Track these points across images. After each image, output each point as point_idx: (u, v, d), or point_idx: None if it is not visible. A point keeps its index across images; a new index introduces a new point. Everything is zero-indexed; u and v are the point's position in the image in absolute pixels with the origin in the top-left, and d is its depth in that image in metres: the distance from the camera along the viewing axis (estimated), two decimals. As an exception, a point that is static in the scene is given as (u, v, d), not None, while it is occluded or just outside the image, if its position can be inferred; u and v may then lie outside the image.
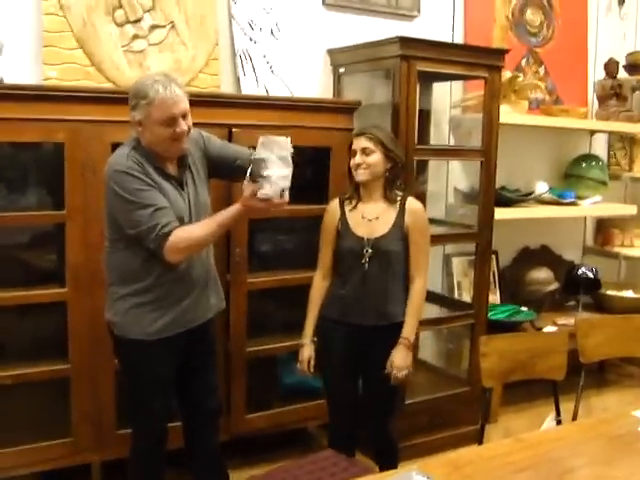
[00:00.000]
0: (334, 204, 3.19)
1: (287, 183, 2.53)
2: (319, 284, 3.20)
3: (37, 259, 3.40)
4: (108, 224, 2.71)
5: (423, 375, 4.29)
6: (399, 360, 3.02)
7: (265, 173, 2.48)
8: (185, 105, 2.61)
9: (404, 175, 3.22)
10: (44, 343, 3.36)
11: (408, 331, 3.05)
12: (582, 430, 2.41)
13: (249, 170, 2.52)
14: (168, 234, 2.53)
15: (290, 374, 3.97)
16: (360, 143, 3.05)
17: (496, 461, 2.07)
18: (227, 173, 2.93)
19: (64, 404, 3.28)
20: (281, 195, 2.52)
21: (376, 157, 3.03)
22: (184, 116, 2.61)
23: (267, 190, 2.49)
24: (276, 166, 2.49)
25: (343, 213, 3.13)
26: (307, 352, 3.17)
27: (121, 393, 3.23)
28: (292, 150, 2.55)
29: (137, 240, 2.61)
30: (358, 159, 3.04)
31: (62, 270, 3.20)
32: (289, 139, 2.55)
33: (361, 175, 3.05)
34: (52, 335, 3.35)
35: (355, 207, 3.12)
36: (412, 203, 3.11)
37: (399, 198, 3.09)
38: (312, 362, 3.16)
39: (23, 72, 3.34)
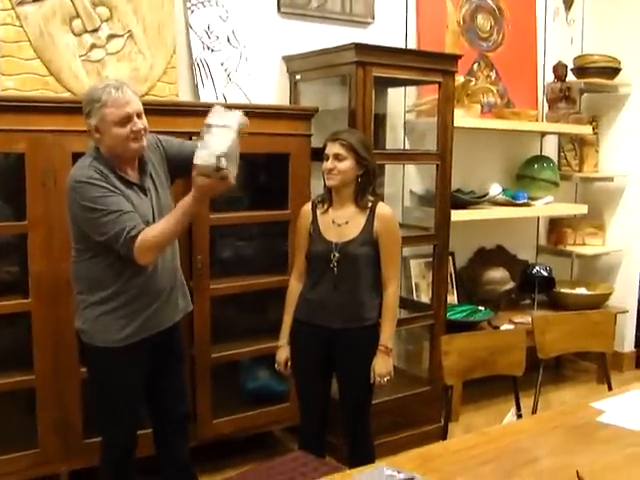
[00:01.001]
0: (307, 207, 3.23)
1: (223, 148, 2.46)
2: (294, 286, 3.24)
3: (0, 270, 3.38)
4: (73, 234, 2.73)
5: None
6: (380, 367, 3.08)
7: (205, 139, 2.46)
8: (138, 105, 2.65)
9: (375, 181, 3.25)
10: (8, 354, 3.34)
11: (386, 338, 3.11)
12: (542, 422, 2.49)
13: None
14: (136, 236, 2.55)
15: (253, 379, 4.01)
16: (333, 149, 3.07)
17: (462, 454, 2.14)
18: (190, 171, 2.95)
19: (30, 415, 3.27)
20: (217, 161, 2.44)
21: (348, 163, 3.05)
22: (138, 115, 2.64)
23: (202, 155, 2.45)
24: (217, 134, 2.46)
25: (315, 217, 3.17)
26: (284, 354, 3.21)
27: (87, 402, 3.23)
28: (237, 124, 2.52)
29: (104, 248, 2.63)
30: (330, 164, 3.07)
31: (25, 280, 3.19)
32: (240, 112, 2.55)
33: (332, 180, 3.08)
34: (16, 346, 3.34)
35: (326, 211, 3.16)
36: (382, 208, 3.15)
37: (370, 204, 3.13)
38: (289, 363, 3.21)
39: (-19, 83, 3.34)
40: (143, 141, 2.68)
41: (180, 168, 2.89)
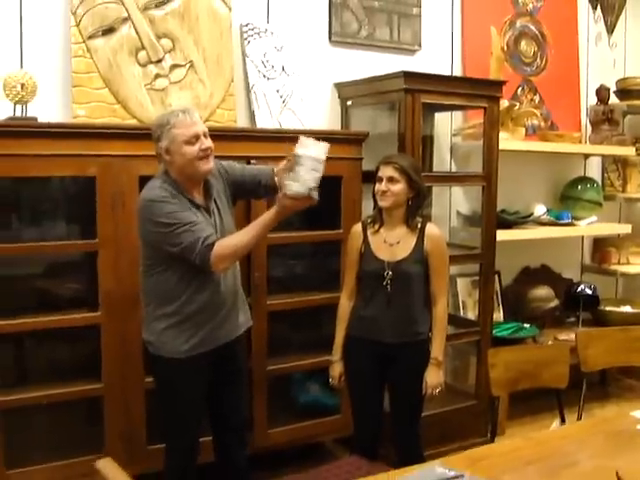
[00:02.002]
0: (357, 228, 3.37)
1: (314, 182, 2.69)
2: (345, 304, 3.38)
3: (72, 286, 3.60)
4: (143, 251, 2.93)
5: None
6: (432, 379, 3.24)
7: (296, 170, 2.66)
8: (204, 126, 2.87)
9: (424, 203, 3.40)
10: (78, 364, 3.56)
11: (437, 351, 3.26)
12: (585, 428, 2.64)
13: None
14: (212, 244, 2.73)
15: (305, 393, 4.17)
16: (387, 172, 3.22)
17: (508, 456, 2.29)
18: (251, 193, 3.18)
19: (97, 422, 3.45)
20: (309, 193, 2.68)
21: (400, 186, 3.20)
22: (205, 135, 2.85)
23: (296, 188, 2.67)
24: (307, 165, 2.67)
25: (366, 237, 3.31)
26: (338, 369, 3.37)
27: (151, 411, 3.41)
28: (325, 155, 2.72)
29: (172, 263, 2.82)
30: (384, 186, 3.21)
31: (95, 295, 3.39)
32: (326, 144, 2.75)
33: (385, 202, 3.23)
34: (86, 357, 3.53)
35: (377, 231, 3.30)
36: (431, 228, 3.30)
37: (419, 224, 3.28)
38: (342, 377, 3.36)
39: (54, 111, 3.57)
40: (210, 162, 2.88)
41: (242, 191, 3.13)
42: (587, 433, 2.54)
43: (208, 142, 2.86)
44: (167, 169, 2.88)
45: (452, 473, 2.09)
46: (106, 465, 1.72)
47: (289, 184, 2.67)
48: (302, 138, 2.75)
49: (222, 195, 3.04)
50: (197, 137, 2.82)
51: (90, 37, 3.58)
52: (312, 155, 2.69)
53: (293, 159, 2.70)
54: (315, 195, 2.71)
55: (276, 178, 2.95)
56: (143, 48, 3.72)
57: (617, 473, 2.05)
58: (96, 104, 3.60)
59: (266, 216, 2.80)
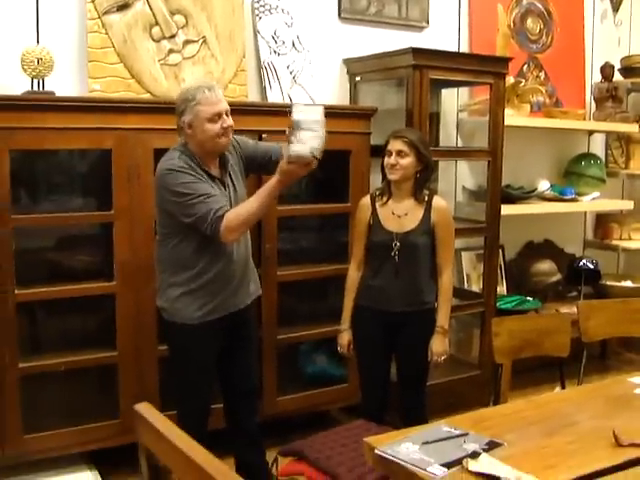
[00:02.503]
0: (366, 200, 3.46)
1: (317, 143, 2.73)
2: (353, 274, 3.47)
3: (88, 256, 3.70)
4: (160, 220, 3.03)
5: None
6: (437, 346, 3.34)
7: (297, 133, 2.71)
8: (226, 105, 2.96)
9: (432, 176, 3.49)
10: (94, 333, 3.66)
11: (442, 320, 3.36)
12: (585, 392, 2.75)
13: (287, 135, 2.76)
14: (222, 216, 2.81)
15: (312, 364, 4.28)
16: (396, 145, 3.30)
17: (511, 417, 2.39)
18: (262, 167, 3.25)
19: (112, 388, 3.55)
20: (312, 154, 2.73)
21: (409, 159, 3.28)
22: (227, 113, 2.94)
23: (298, 148, 2.71)
24: (307, 127, 2.72)
25: (374, 209, 3.40)
26: (346, 337, 3.47)
27: (164, 379, 3.52)
28: (322, 117, 2.76)
29: (188, 232, 2.91)
30: (393, 160, 3.29)
31: (110, 265, 3.49)
32: (321, 106, 2.83)
33: (394, 175, 3.30)
34: (101, 325, 3.64)
35: (386, 203, 3.38)
36: (438, 201, 3.39)
37: (426, 197, 3.36)
38: (351, 346, 3.47)
39: (71, 85, 3.66)
40: (230, 137, 2.97)
41: (253, 165, 3.22)
42: (586, 397, 2.64)
43: (229, 121, 2.95)
44: (186, 142, 2.97)
45: (457, 431, 2.20)
46: (145, 409, 1.82)
47: (291, 147, 2.72)
48: (296, 104, 2.84)
49: (236, 168, 3.13)
50: (220, 115, 2.91)
51: (105, 13, 3.65)
52: (310, 118, 2.74)
53: (292, 125, 2.74)
54: (318, 155, 2.74)
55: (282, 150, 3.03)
56: (157, 24, 3.79)
57: (614, 431, 2.16)
58: (111, 79, 3.68)
59: (269, 184, 2.87)
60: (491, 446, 2.11)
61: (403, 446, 2.09)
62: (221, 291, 3.03)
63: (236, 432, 3.32)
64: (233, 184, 3.08)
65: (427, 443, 2.11)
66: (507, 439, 2.16)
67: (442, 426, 2.25)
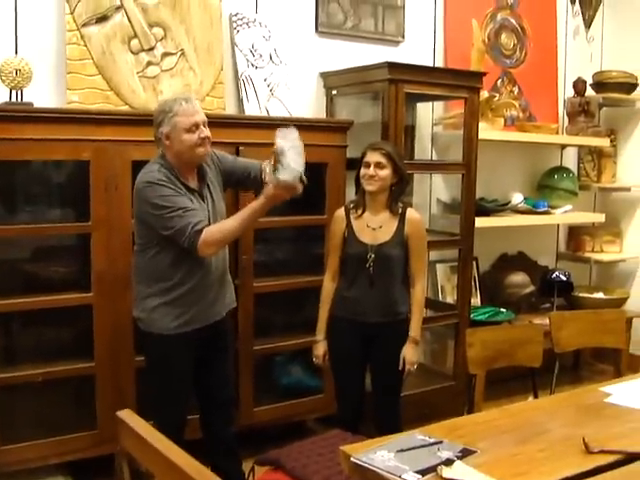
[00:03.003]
0: (340, 213, 3.50)
1: (302, 168, 2.84)
2: (328, 286, 3.52)
3: (65, 267, 3.69)
4: (138, 231, 3.05)
5: (411, 371, 4.64)
6: (410, 355, 3.41)
7: (282, 160, 2.79)
8: (204, 116, 3.00)
9: (407, 189, 3.55)
10: (71, 344, 3.65)
11: (415, 329, 3.42)
12: (557, 401, 2.80)
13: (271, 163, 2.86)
14: (200, 230, 2.85)
15: (287, 375, 4.30)
16: (374, 157, 3.35)
17: (484, 425, 2.43)
18: (240, 183, 3.30)
19: (90, 399, 3.55)
20: (299, 179, 2.84)
21: (387, 172, 3.34)
22: (204, 124, 2.98)
23: (286, 176, 2.79)
24: (291, 153, 2.80)
25: (349, 221, 3.45)
26: (322, 348, 3.51)
27: (141, 389, 3.52)
28: (299, 138, 2.86)
29: (166, 244, 2.94)
30: (372, 171, 3.34)
31: (87, 276, 3.49)
32: (294, 129, 2.88)
33: (371, 185, 3.36)
34: (78, 336, 3.63)
35: (360, 216, 3.43)
36: (411, 213, 3.45)
37: (400, 209, 3.42)
38: (327, 357, 3.50)
39: (49, 97, 3.66)
40: (207, 147, 3.01)
41: (231, 181, 3.27)
42: (558, 406, 2.68)
43: (207, 131, 2.99)
44: (165, 153, 3.00)
45: (432, 439, 2.24)
46: (127, 415, 1.85)
47: (279, 175, 2.80)
48: (279, 130, 2.88)
49: (215, 182, 3.16)
50: (197, 126, 2.95)
51: (84, 25, 3.67)
52: (292, 143, 2.82)
53: (277, 153, 2.82)
54: (304, 180, 2.87)
55: (263, 171, 3.06)
56: (135, 36, 3.82)
57: (584, 439, 2.20)
58: (89, 90, 3.70)
59: (254, 205, 2.92)
60: (465, 454, 2.14)
61: (379, 454, 2.12)
62: (198, 302, 3.06)
63: (213, 442, 3.33)
64: (212, 197, 3.11)
65: (402, 451, 2.14)
66: (480, 447, 2.20)
67: (417, 434, 2.28)
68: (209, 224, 2.98)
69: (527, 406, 2.81)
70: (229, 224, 2.95)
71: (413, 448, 2.17)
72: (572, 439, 2.26)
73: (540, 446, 2.24)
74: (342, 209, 3.52)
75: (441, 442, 2.22)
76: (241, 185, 3.33)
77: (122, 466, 1.84)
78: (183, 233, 2.85)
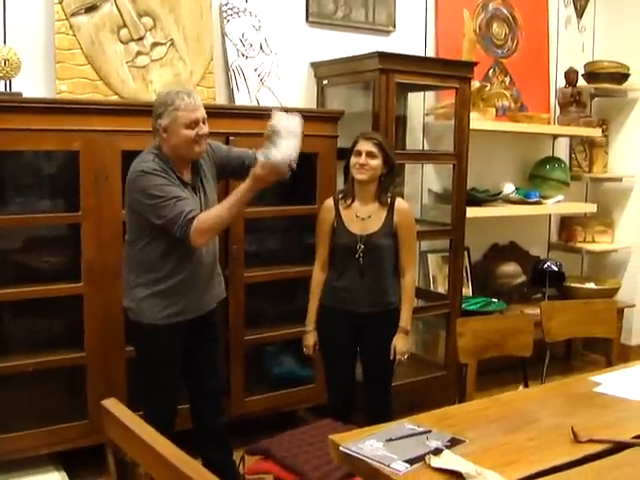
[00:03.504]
0: (329, 203, 3.49)
1: (295, 153, 2.82)
2: (318, 276, 3.51)
3: (55, 257, 3.68)
4: (129, 221, 3.04)
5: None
6: (401, 345, 3.40)
7: (276, 140, 2.77)
8: (204, 113, 2.99)
9: (396, 180, 3.54)
10: (62, 334, 3.65)
11: (405, 319, 3.42)
12: (546, 390, 2.80)
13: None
14: (192, 219, 2.83)
15: (279, 365, 4.30)
16: (366, 146, 3.35)
17: (474, 414, 2.43)
18: (235, 173, 3.28)
19: (80, 389, 3.55)
20: (288, 162, 2.80)
21: (378, 161, 3.34)
22: (204, 121, 2.97)
23: (276, 156, 2.77)
24: (286, 136, 2.79)
25: (338, 211, 3.44)
26: (312, 338, 3.51)
27: (132, 379, 3.52)
28: (301, 128, 2.86)
29: (158, 235, 2.93)
30: (363, 160, 3.33)
31: (77, 266, 3.48)
32: (300, 118, 2.88)
33: (363, 175, 3.35)
34: (69, 326, 3.64)
35: (349, 206, 3.43)
36: (401, 203, 3.45)
37: (389, 200, 3.41)
38: (317, 346, 3.50)
39: (38, 87, 3.65)
40: (203, 146, 3.01)
41: (226, 171, 3.26)
42: (548, 395, 2.69)
43: (205, 129, 2.98)
44: (160, 145, 2.98)
45: (421, 429, 2.24)
46: (112, 404, 1.85)
47: (268, 153, 2.77)
48: (277, 112, 2.86)
49: (208, 174, 3.15)
50: (197, 122, 2.94)
51: (73, 14, 3.66)
52: (290, 127, 2.81)
53: (271, 131, 2.80)
54: (294, 165, 2.83)
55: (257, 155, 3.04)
56: (125, 26, 3.80)
57: (572, 428, 2.21)
58: (79, 80, 3.68)
59: (240, 189, 2.90)
60: (453, 443, 2.14)
61: (367, 443, 2.12)
62: (188, 294, 3.05)
63: (203, 433, 3.33)
64: (204, 190, 3.10)
65: (391, 440, 2.14)
66: (469, 436, 2.20)
67: (406, 424, 2.29)
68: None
69: (517, 395, 2.81)
70: (218, 210, 2.93)
71: (402, 437, 2.17)
72: (561, 428, 2.26)
73: (529, 435, 2.24)
74: (330, 199, 3.52)
75: (430, 431, 2.22)
76: (235, 175, 3.31)
77: (107, 456, 1.82)
78: (176, 222, 2.84)
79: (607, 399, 2.61)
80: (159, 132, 2.96)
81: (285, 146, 2.78)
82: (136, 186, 2.92)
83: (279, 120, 2.81)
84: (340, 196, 3.49)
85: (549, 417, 2.41)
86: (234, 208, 2.92)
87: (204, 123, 2.98)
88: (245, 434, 3.71)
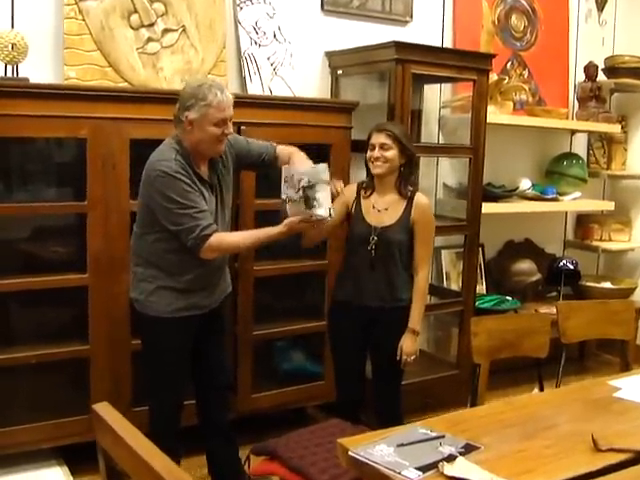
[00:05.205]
0: (353, 186, 3.44)
1: (329, 201, 2.91)
2: None
3: (61, 247, 3.61)
4: (142, 215, 2.96)
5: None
6: (408, 347, 3.30)
7: (317, 196, 2.82)
8: (232, 111, 2.91)
9: (416, 170, 3.45)
10: (66, 325, 3.59)
11: (414, 320, 3.32)
12: (564, 394, 2.72)
13: (300, 195, 2.85)
14: (209, 235, 2.79)
15: (289, 361, 4.22)
16: (379, 139, 3.27)
17: (488, 419, 2.35)
18: (253, 166, 3.27)
19: (84, 383, 3.48)
20: (330, 214, 2.90)
21: (393, 152, 3.25)
22: (230, 119, 2.91)
23: (320, 212, 2.85)
24: (322, 189, 2.85)
25: (359, 197, 3.38)
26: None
27: (137, 373, 3.45)
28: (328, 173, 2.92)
29: (170, 234, 2.86)
30: (377, 153, 3.26)
31: (83, 257, 3.41)
32: (326, 165, 2.93)
33: (378, 168, 3.28)
34: (74, 318, 3.57)
35: (369, 197, 3.36)
36: (420, 198, 3.35)
37: (409, 193, 3.33)
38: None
39: (45, 72, 3.57)
40: (224, 145, 2.96)
41: (244, 164, 3.23)
42: (565, 399, 2.60)
43: (230, 128, 2.92)
44: (182, 137, 2.90)
45: (433, 434, 2.15)
46: (104, 409, 1.76)
47: (316, 211, 2.84)
48: (312, 167, 2.96)
49: (224, 171, 3.08)
50: (225, 121, 2.87)
51: (83, -1, 3.57)
52: (323, 180, 2.87)
53: (305, 186, 2.83)
54: (333, 215, 2.98)
55: (282, 204, 3.00)
56: (135, 11, 3.72)
57: (592, 436, 2.12)
58: (87, 66, 3.60)
59: (273, 232, 2.95)
60: (467, 449, 2.06)
61: (377, 448, 2.03)
62: (198, 291, 3.01)
63: (208, 428, 3.28)
64: (220, 187, 3.05)
65: (402, 445, 2.06)
66: (484, 442, 2.12)
67: (418, 428, 2.20)
68: (216, 216, 2.95)
69: (533, 399, 2.73)
70: (241, 240, 3.00)
71: (414, 443, 2.08)
72: (580, 435, 2.18)
73: (546, 442, 2.16)
74: (355, 184, 3.47)
75: (443, 436, 2.13)
76: (253, 167, 3.32)
77: (99, 461, 1.74)
78: (190, 233, 2.80)
79: (627, 405, 2.52)
80: (183, 124, 2.87)
81: (324, 200, 2.86)
82: (156, 186, 2.83)
83: (313, 174, 2.86)
84: (363, 185, 3.42)
85: (567, 423, 2.33)
86: (256, 245, 3.06)
87: (230, 122, 2.91)
88: (252, 431, 3.66)
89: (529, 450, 2.11)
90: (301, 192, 2.84)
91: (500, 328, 3.29)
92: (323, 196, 2.85)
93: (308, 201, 2.83)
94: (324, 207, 2.86)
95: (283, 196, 2.96)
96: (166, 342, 3.01)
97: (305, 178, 2.83)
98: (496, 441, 2.15)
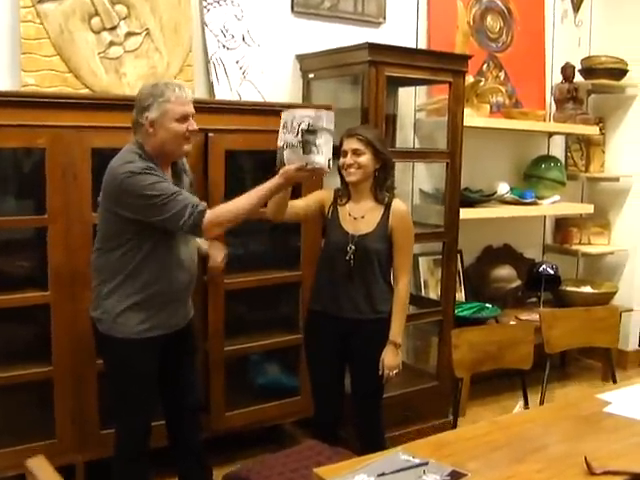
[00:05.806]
0: (329, 192, 3.32)
1: (331, 152, 2.70)
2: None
3: (20, 263, 3.45)
4: (106, 227, 2.81)
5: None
6: (389, 360, 3.17)
7: (317, 142, 2.63)
8: (193, 108, 2.79)
9: (392, 175, 3.32)
10: (27, 346, 3.43)
11: (395, 332, 3.18)
12: (551, 412, 2.59)
13: (299, 140, 2.66)
14: (204, 210, 2.65)
15: (263, 375, 4.08)
16: (351, 144, 3.15)
17: (474, 441, 2.22)
18: None
19: (47, 406, 3.33)
20: (329, 163, 2.69)
21: (366, 157, 3.13)
22: (193, 117, 2.78)
23: (319, 159, 2.65)
24: (325, 136, 2.65)
25: (335, 203, 3.26)
26: None
27: (103, 394, 3.28)
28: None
29: (138, 241, 2.74)
30: (349, 159, 3.14)
31: (44, 273, 3.25)
32: (332, 113, 2.73)
33: (352, 175, 3.15)
34: (35, 338, 3.42)
35: (344, 204, 3.24)
36: (398, 204, 3.23)
37: (386, 199, 3.20)
38: None
39: (1, 79, 3.43)
40: (191, 144, 2.82)
41: None
42: (554, 417, 2.48)
43: (194, 125, 2.79)
44: (143, 143, 2.76)
45: (416, 460, 2.01)
46: (37, 464, 1.59)
47: (314, 158, 2.65)
48: (314, 111, 2.71)
49: (187, 179, 2.98)
50: (187, 117, 2.76)
51: (40, 1, 3.43)
52: (328, 127, 2.68)
53: (307, 130, 2.65)
54: (332, 164, 2.75)
55: (279, 151, 2.82)
56: (97, 14, 3.58)
57: (586, 459, 1.99)
58: (46, 72, 3.47)
59: (271, 185, 2.75)
60: (454, 477, 1.93)
61: (357, 478, 1.89)
62: (164, 307, 2.87)
63: (179, 450, 3.15)
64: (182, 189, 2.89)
65: (383, 475, 1.92)
66: (471, 468, 1.99)
67: (400, 454, 2.06)
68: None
69: (519, 418, 2.59)
70: (242, 203, 2.74)
71: (396, 471, 1.95)
72: (572, 457, 2.07)
73: (537, 466, 2.04)
74: (332, 189, 3.34)
75: (427, 463, 2.00)
76: None
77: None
78: (182, 215, 2.64)
79: (619, 420, 2.43)
80: (144, 127, 2.73)
81: (326, 148, 2.66)
82: (125, 188, 2.68)
83: (317, 119, 2.66)
84: (339, 193, 3.30)
85: (558, 443, 2.21)
86: (260, 203, 2.78)
87: (193, 118, 2.79)
88: (227, 450, 3.55)
89: (519, 475, 2.00)
90: (300, 136, 2.66)
91: (482, 340, 3.19)
92: (324, 144, 2.65)
93: (307, 146, 2.64)
94: (324, 156, 2.66)
95: (280, 142, 2.77)
96: (133, 364, 2.87)
97: (306, 120, 2.65)
98: (483, 466, 2.02)
